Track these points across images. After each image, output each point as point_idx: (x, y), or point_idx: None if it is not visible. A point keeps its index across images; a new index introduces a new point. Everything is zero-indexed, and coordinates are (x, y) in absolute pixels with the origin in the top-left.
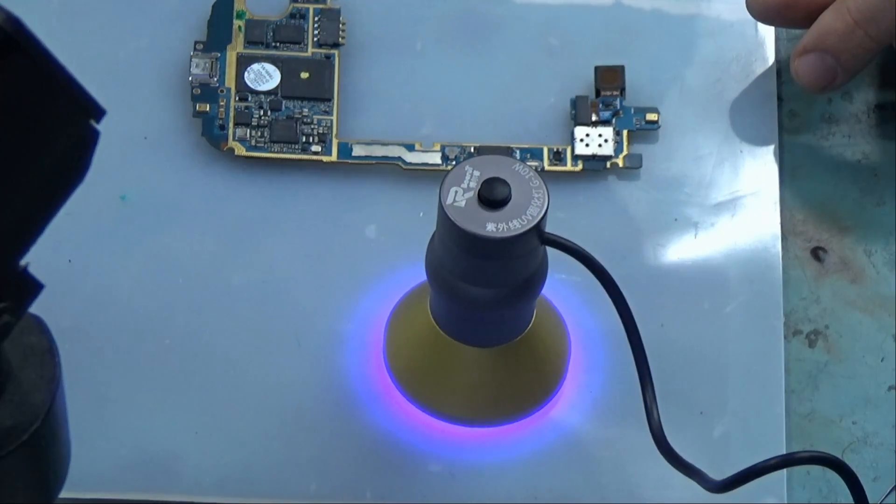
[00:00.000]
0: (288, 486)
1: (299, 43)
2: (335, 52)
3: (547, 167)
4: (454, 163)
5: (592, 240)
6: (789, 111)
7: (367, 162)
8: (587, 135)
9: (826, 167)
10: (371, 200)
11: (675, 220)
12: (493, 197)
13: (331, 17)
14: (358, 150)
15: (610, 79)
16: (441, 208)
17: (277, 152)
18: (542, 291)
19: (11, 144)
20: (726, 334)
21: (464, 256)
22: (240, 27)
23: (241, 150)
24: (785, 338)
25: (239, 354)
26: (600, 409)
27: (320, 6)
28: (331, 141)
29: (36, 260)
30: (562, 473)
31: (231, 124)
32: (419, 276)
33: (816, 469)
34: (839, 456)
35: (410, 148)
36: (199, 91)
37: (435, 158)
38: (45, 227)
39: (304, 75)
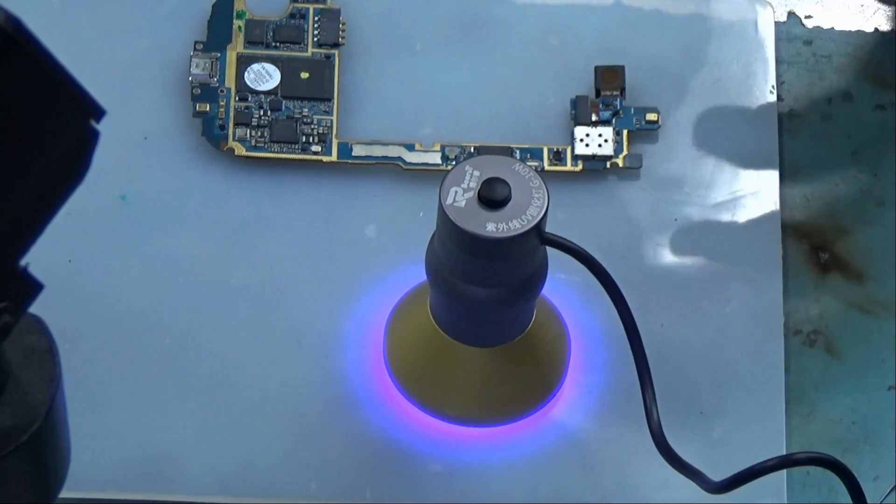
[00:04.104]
0: (288, 486)
1: (299, 43)
2: (335, 52)
3: (547, 167)
4: (454, 163)
5: (592, 240)
6: (789, 111)
7: (367, 162)
8: (587, 135)
9: (826, 167)
10: (371, 200)
11: (675, 220)
12: (493, 197)
13: (331, 17)
14: (358, 150)
15: (610, 79)
16: (441, 208)
17: (277, 152)
18: (542, 291)
19: (11, 144)
20: (726, 334)
21: (464, 256)
22: (240, 27)
23: (241, 150)
24: (785, 338)
25: (239, 354)
26: (600, 409)
27: (320, 6)
28: (331, 141)
29: (36, 260)
30: (562, 473)
31: (231, 124)
32: (419, 276)
33: (816, 469)
34: (839, 456)
35: (410, 148)
36: (199, 91)
37: (435, 158)
38: (45, 227)
39: (304, 75)
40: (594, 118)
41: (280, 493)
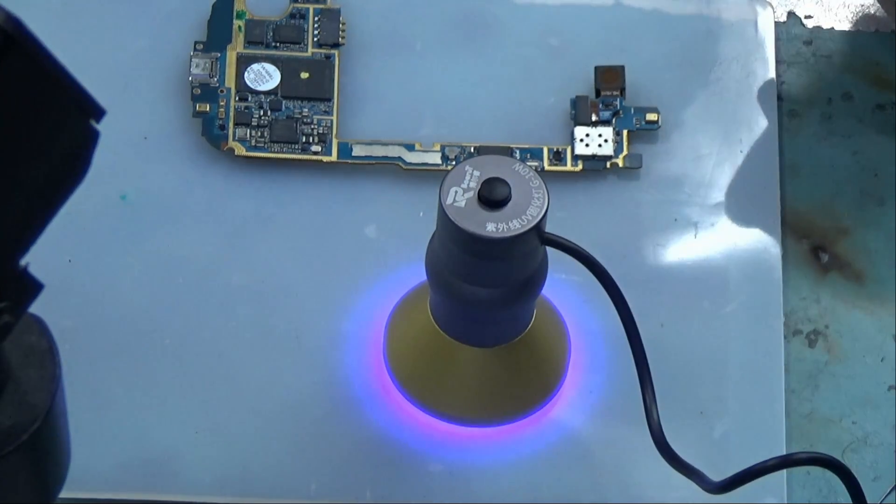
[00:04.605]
0: (288, 486)
1: (299, 43)
2: (335, 52)
3: (547, 167)
4: (454, 163)
5: (592, 240)
6: (789, 111)
7: (367, 162)
8: (587, 135)
9: (826, 167)
10: (371, 200)
11: (675, 220)
12: (493, 197)
13: (331, 17)
14: (358, 150)
15: (610, 79)
16: (441, 208)
17: (277, 152)
18: (542, 291)
19: (11, 144)
20: (726, 334)
21: (464, 256)
22: (240, 27)
23: (241, 150)
24: (785, 338)
25: (239, 354)
26: (600, 409)
27: (320, 6)
28: (331, 141)
29: (36, 260)
30: (562, 473)
31: (231, 124)
32: (419, 276)
33: (816, 469)
34: (839, 456)
35: (410, 148)
36: (199, 91)
37: (435, 158)
38: (45, 227)
39: (304, 75)
40: (594, 118)
41: (280, 493)
